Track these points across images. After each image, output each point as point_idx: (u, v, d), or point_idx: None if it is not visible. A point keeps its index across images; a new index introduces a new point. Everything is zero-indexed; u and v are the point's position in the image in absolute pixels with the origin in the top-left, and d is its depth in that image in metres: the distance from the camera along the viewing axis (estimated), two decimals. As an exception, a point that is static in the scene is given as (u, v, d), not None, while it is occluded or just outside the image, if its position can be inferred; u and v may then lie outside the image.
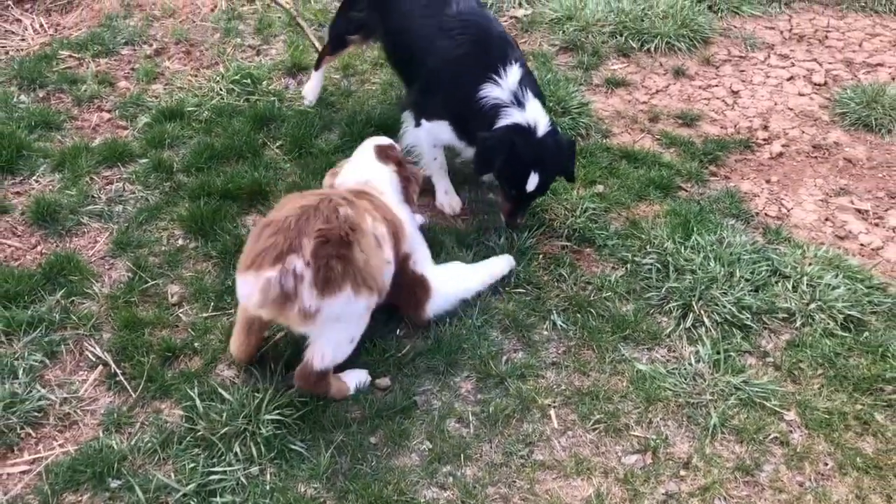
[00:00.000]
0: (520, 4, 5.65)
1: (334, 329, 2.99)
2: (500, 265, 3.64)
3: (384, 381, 3.24)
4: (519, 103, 3.57)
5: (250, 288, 2.84)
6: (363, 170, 3.44)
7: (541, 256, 3.79)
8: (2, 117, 4.31)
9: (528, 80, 3.65)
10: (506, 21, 5.49)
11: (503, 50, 3.67)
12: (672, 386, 3.25)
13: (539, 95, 3.68)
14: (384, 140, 3.58)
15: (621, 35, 5.31)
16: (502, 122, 3.57)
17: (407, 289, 3.32)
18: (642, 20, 5.40)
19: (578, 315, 3.53)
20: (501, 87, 3.58)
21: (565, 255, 3.82)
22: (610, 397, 3.23)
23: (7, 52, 4.97)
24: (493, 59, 3.62)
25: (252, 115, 4.44)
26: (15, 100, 4.48)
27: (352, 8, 4.26)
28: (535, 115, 3.57)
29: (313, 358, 3.00)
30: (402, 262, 3.30)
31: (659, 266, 3.73)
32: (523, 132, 3.55)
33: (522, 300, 3.58)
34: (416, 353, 3.34)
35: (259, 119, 4.44)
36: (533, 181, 3.57)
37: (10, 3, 5.38)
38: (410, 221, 3.43)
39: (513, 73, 3.60)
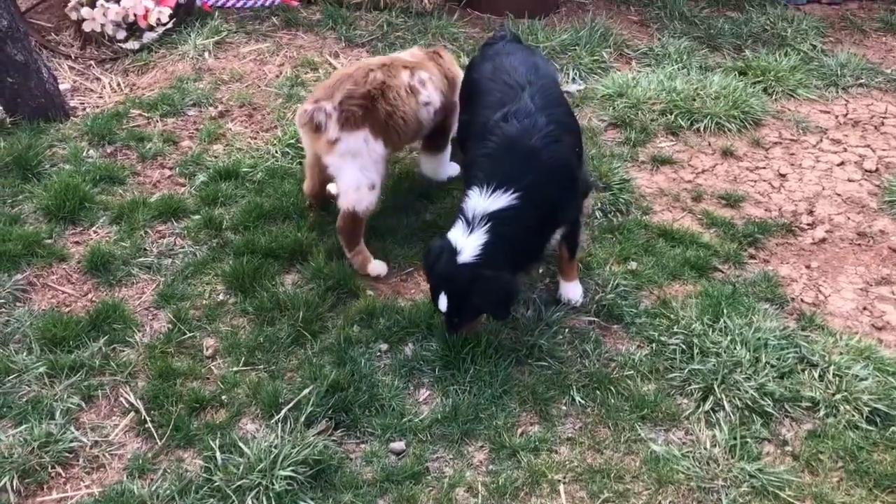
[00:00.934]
0: (573, 80, 5.77)
1: (353, 166, 3.90)
2: None
3: (399, 446, 3.32)
4: (469, 225, 3.46)
5: (299, 116, 3.94)
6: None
7: (567, 330, 3.83)
8: (69, 170, 4.60)
9: (503, 216, 3.44)
10: (558, 95, 5.61)
11: (514, 171, 3.49)
12: (685, 469, 3.24)
13: (500, 236, 3.44)
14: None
15: (671, 114, 5.36)
16: (449, 231, 3.54)
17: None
18: (694, 100, 5.45)
19: (598, 392, 3.55)
20: (474, 203, 3.48)
21: (591, 330, 3.86)
22: (621, 476, 3.23)
23: (85, 109, 5.31)
24: (496, 173, 3.49)
25: (303, 177, 4.63)
26: (84, 154, 4.78)
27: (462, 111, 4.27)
28: (467, 243, 3.44)
29: (342, 199, 3.95)
30: (449, 108, 4.28)
31: (684, 347, 3.73)
32: (448, 251, 3.48)
33: (543, 374, 3.63)
34: (434, 419, 3.41)
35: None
36: (443, 302, 3.49)
37: (92, 62, 5.76)
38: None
39: (495, 200, 3.44)
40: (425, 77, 4.15)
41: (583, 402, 3.51)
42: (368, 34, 6.17)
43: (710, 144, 5.23)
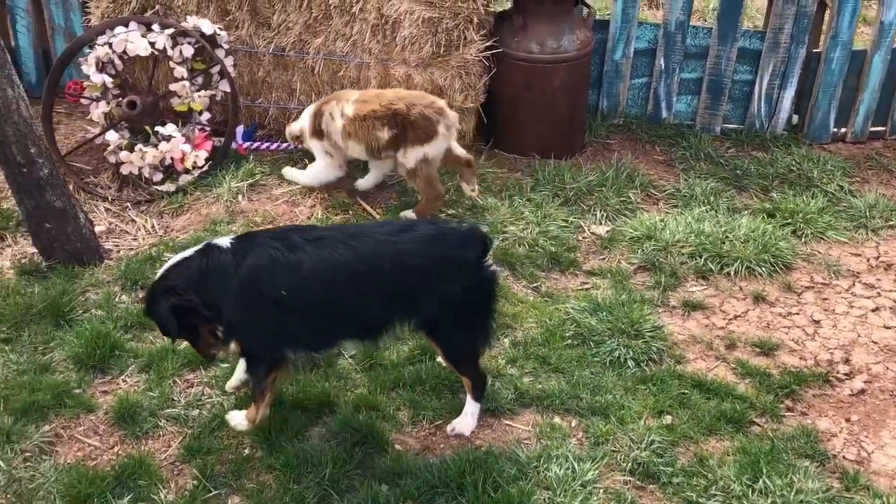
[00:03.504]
0: (601, 221, 5.80)
1: None
2: None
3: None
4: None
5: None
6: None
7: (601, 491, 3.72)
8: (101, 316, 4.63)
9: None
10: (586, 237, 5.64)
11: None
12: None
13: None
14: None
15: (700, 257, 5.36)
16: None
17: None
18: (722, 243, 5.45)
19: (635, 560, 3.42)
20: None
21: (627, 490, 3.74)
22: None
23: (119, 251, 5.39)
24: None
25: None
26: (116, 300, 4.82)
27: None
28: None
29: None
30: None
31: (723, 511, 3.61)
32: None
33: (578, 539, 3.51)
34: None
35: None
36: None
37: (128, 204, 5.89)
38: None
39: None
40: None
41: (619, 571, 3.38)
42: (397, 175, 6.27)
43: (741, 289, 5.19)
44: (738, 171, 6.45)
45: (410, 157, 5.40)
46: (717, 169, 6.51)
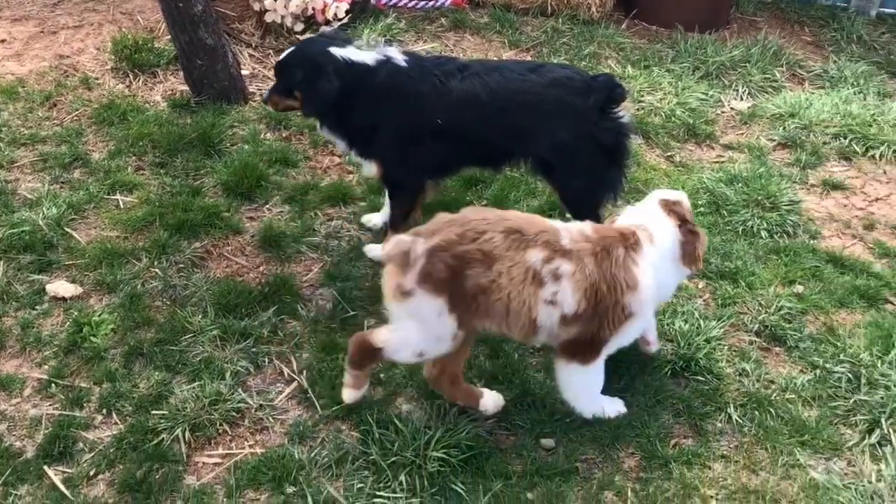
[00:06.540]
0: (742, 97, 5.64)
1: (409, 326, 3.12)
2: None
3: (549, 442, 3.33)
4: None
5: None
6: (641, 216, 3.32)
7: (726, 348, 3.76)
8: (248, 150, 4.85)
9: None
10: (725, 111, 5.51)
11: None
12: (846, 501, 3.12)
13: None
14: (672, 194, 3.43)
15: (845, 138, 5.18)
16: None
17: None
18: (870, 126, 5.25)
19: (756, 412, 3.47)
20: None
21: (752, 350, 3.77)
22: (777, 500, 3.15)
23: (262, 94, 5.55)
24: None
25: (467, 176, 4.70)
26: (262, 136, 5.03)
27: None
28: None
29: (379, 335, 3.21)
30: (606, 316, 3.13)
31: (850, 376, 3.60)
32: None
33: (700, 388, 3.57)
34: (584, 420, 3.41)
35: (470, 180, 4.71)
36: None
37: (270, 51, 6.02)
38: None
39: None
40: (562, 270, 3.06)
41: (739, 420, 3.43)
42: (534, 39, 6.22)
43: (885, 172, 5.01)
44: (893, 56, 6.12)
45: None
46: (869, 53, 6.21)
